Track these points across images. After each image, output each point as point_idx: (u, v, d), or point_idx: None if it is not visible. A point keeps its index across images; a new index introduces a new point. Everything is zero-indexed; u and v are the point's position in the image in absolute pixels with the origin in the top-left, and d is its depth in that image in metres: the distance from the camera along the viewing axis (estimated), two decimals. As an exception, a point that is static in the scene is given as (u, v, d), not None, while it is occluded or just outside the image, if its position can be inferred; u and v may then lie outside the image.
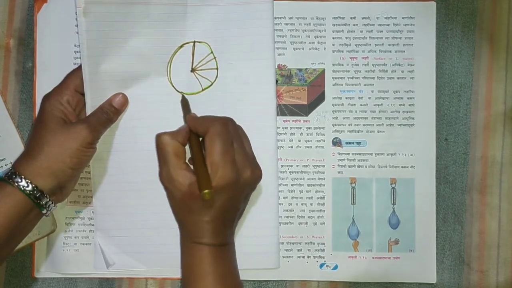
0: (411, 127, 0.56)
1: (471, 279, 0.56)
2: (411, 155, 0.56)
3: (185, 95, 0.55)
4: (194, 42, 0.55)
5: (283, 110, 0.57)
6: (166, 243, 0.55)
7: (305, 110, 0.57)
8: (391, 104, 0.57)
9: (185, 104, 0.54)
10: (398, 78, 0.57)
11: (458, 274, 0.56)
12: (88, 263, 0.56)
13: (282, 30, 0.57)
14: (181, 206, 0.49)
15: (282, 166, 0.56)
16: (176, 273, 0.55)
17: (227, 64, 0.55)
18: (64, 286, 0.56)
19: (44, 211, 0.48)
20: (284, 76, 0.57)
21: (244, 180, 0.48)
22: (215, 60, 0.55)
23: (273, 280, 0.56)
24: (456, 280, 0.56)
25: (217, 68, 0.55)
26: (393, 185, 0.56)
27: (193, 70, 0.55)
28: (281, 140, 0.56)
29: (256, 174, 0.50)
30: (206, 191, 0.45)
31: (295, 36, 0.57)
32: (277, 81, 0.56)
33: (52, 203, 0.48)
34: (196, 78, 0.55)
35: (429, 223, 0.56)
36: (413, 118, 0.56)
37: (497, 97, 0.57)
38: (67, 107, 0.50)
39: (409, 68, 0.57)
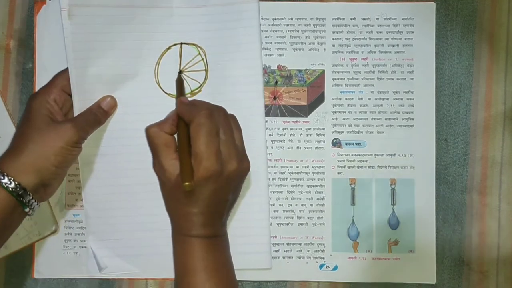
0: (411, 127, 0.56)
1: (471, 279, 0.56)
2: (411, 155, 0.56)
3: (172, 96, 0.55)
4: (182, 43, 0.55)
5: (283, 111, 0.57)
6: (159, 245, 0.54)
7: (304, 111, 0.57)
8: (391, 105, 0.57)
9: (179, 84, 0.53)
10: (397, 79, 0.57)
11: (458, 275, 0.56)
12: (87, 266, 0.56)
13: (282, 31, 0.57)
14: (171, 196, 0.49)
15: (282, 167, 0.56)
16: (170, 275, 0.55)
17: (215, 65, 0.55)
18: (64, 287, 0.56)
19: (27, 210, 0.48)
20: (284, 77, 0.57)
21: (230, 172, 0.48)
22: (203, 61, 0.55)
23: (273, 281, 0.56)
24: (456, 280, 0.56)
25: (206, 70, 0.55)
26: (392, 186, 0.56)
27: (181, 71, 0.55)
28: (281, 141, 0.56)
29: (243, 166, 0.49)
30: (187, 183, 0.45)
31: (294, 37, 0.57)
32: (276, 82, 0.56)
33: (35, 201, 0.48)
34: (185, 79, 0.55)
35: (429, 223, 0.56)
36: (412, 119, 0.56)
37: (496, 98, 0.57)
38: (54, 106, 0.50)
39: (408, 69, 0.57)
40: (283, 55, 0.57)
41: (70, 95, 0.52)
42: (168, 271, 0.54)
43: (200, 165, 0.46)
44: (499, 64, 0.57)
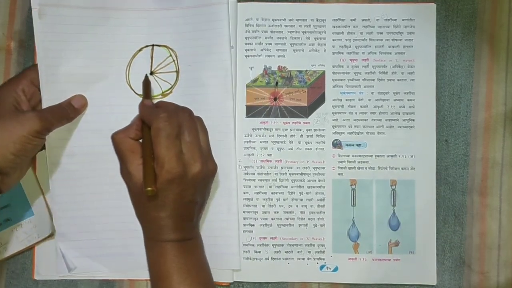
0: (411, 128, 0.56)
1: (471, 280, 0.56)
2: (411, 156, 0.56)
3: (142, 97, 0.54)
4: (153, 45, 0.55)
5: (283, 111, 0.57)
6: (128, 245, 0.54)
7: (305, 111, 0.57)
8: (391, 106, 0.57)
9: (145, 86, 0.53)
10: (398, 80, 0.57)
11: (458, 276, 0.56)
12: (87, 267, 0.56)
13: (282, 32, 0.57)
14: (139, 202, 0.49)
15: (282, 168, 0.56)
16: (140, 275, 0.55)
17: (186, 67, 0.55)
18: (64, 288, 0.56)
19: None
20: (284, 78, 0.57)
21: (194, 174, 0.48)
22: (174, 63, 0.55)
23: (274, 282, 0.56)
24: (456, 281, 0.56)
25: (177, 71, 0.55)
26: (393, 187, 0.56)
27: (152, 73, 0.55)
28: (281, 142, 0.56)
29: (209, 168, 0.49)
30: (149, 188, 0.46)
31: (295, 38, 0.57)
32: (277, 83, 0.56)
33: None
34: (156, 81, 0.55)
35: (430, 224, 0.56)
36: (413, 120, 0.56)
37: (497, 99, 0.57)
38: (21, 96, 0.50)
39: (409, 69, 0.57)
40: (284, 56, 0.57)
41: (39, 89, 0.52)
42: (138, 271, 0.54)
43: (162, 169, 0.46)
44: (500, 65, 0.57)
